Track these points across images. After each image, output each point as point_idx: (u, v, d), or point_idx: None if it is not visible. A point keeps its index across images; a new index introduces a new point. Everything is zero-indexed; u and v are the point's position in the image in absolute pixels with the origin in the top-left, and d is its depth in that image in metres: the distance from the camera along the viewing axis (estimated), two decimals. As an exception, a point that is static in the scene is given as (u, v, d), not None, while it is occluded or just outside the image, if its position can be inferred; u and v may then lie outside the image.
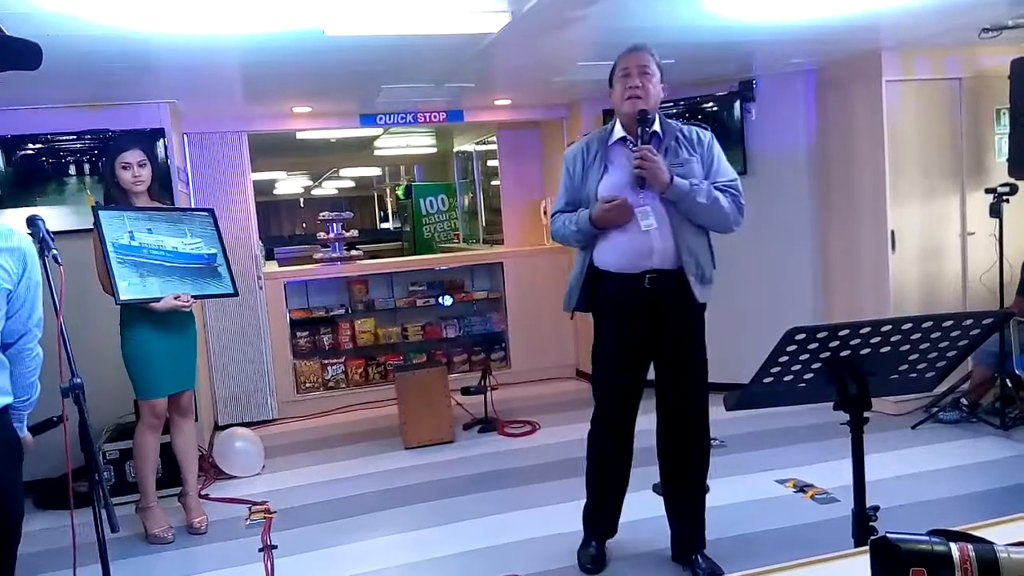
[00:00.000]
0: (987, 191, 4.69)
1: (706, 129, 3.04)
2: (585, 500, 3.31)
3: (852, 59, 4.96)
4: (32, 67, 2.10)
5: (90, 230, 3.63)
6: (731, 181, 2.97)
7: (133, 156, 3.63)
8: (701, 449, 3.10)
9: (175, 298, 3.56)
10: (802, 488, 3.91)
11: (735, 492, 3.93)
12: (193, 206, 5.26)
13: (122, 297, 3.47)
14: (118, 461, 4.29)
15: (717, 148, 3.00)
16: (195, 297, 3.68)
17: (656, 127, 2.91)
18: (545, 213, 6.82)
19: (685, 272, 2.91)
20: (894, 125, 4.84)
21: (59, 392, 2.25)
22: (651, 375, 3.13)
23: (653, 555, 3.33)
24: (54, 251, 2.36)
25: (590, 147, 3.03)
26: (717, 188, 2.91)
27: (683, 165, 2.90)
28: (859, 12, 3.81)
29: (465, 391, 5.59)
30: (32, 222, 2.44)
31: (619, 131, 2.99)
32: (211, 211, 3.92)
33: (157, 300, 3.55)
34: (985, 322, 1.66)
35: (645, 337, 3.01)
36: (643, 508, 3.50)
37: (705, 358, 3.06)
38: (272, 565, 3.49)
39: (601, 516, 3.27)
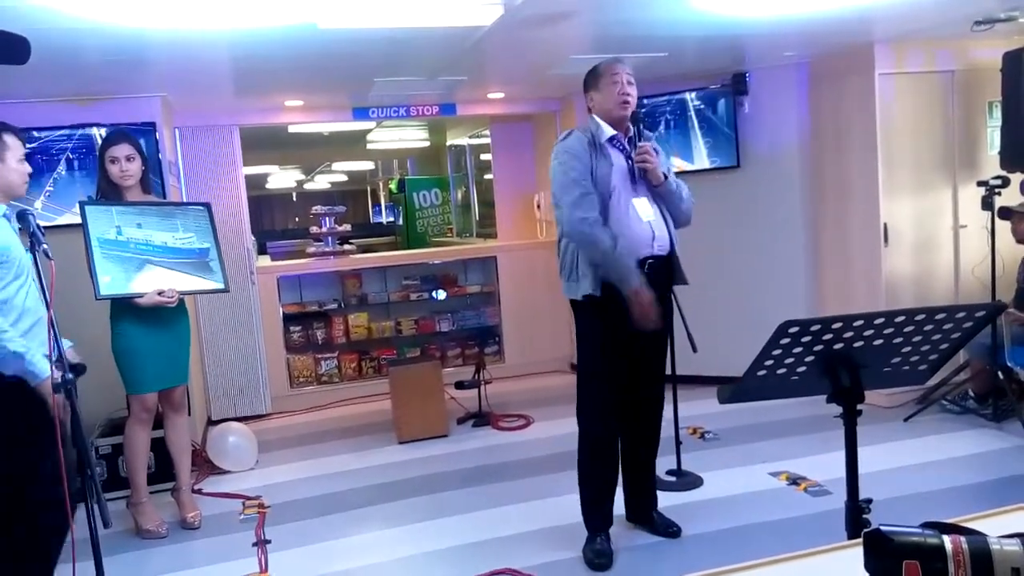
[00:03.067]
0: (979, 184, 4.69)
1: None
2: (582, 496, 3.33)
3: (845, 52, 4.96)
4: (20, 61, 2.09)
5: (81, 225, 3.60)
6: (683, 183, 3.31)
7: (121, 150, 3.62)
8: (658, 426, 3.45)
9: (159, 293, 3.54)
10: (795, 481, 3.92)
11: (728, 485, 3.94)
12: (188, 200, 5.25)
13: (102, 292, 3.45)
14: (110, 456, 4.28)
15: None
16: (182, 293, 3.66)
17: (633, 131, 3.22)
18: (539, 207, 6.81)
19: (675, 255, 3.20)
20: (887, 118, 4.84)
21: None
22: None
23: (652, 544, 3.37)
24: (44, 246, 2.36)
25: (588, 141, 3.16)
26: None
27: (660, 165, 3.18)
28: (852, 5, 3.81)
29: (459, 385, 5.59)
30: (23, 216, 2.43)
31: (608, 130, 3.18)
32: (207, 205, 3.90)
33: (140, 296, 3.52)
34: (978, 315, 1.67)
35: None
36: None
37: (671, 339, 3.50)
38: (266, 560, 3.49)
39: (604, 506, 3.31)
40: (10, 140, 2.90)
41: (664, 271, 3.19)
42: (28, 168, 2.99)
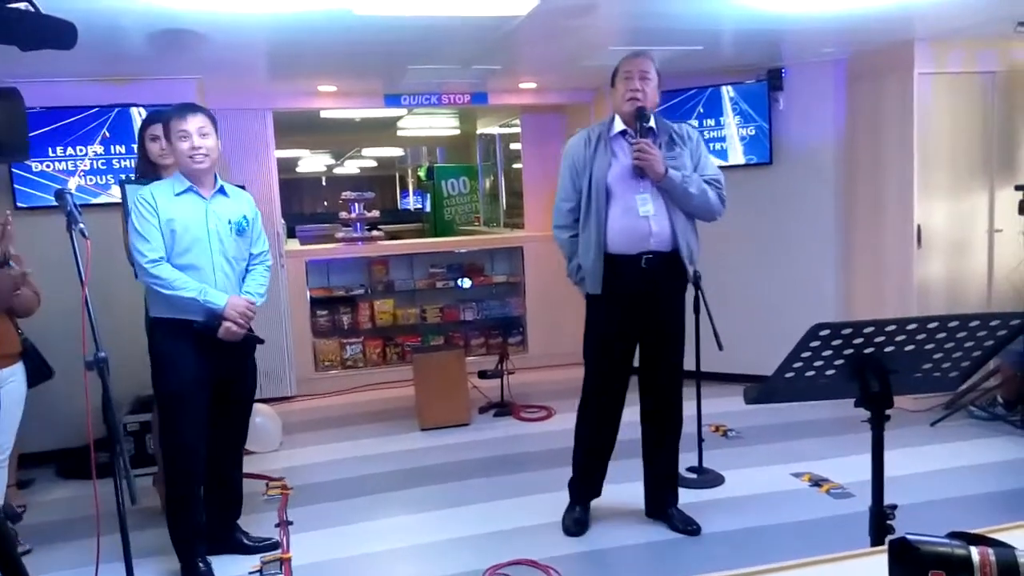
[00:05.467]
0: (1017, 188, 4.62)
1: (695, 128, 3.40)
2: (573, 467, 3.53)
3: (884, 50, 4.89)
4: (67, 46, 2.13)
5: (117, 204, 3.65)
6: (715, 175, 3.27)
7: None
8: (677, 416, 3.44)
9: None
10: (818, 482, 3.90)
11: (750, 484, 3.93)
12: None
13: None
14: (138, 433, 4.35)
15: (703, 145, 3.34)
16: None
17: (652, 124, 3.23)
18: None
19: (680, 253, 3.21)
20: (924, 118, 4.76)
21: (83, 364, 2.29)
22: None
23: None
24: (81, 225, 2.40)
25: (591, 138, 3.29)
26: (705, 181, 3.21)
27: (675, 159, 3.19)
28: (893, 3, 3.75)
29: (482, 374, 5.60)
30: (60, 195, 2.47)
31: (619, 125, 3.27)
32: (242, 188, 3.93)
33: None
34: (1013, 323, 1.64)
35: (638, 314, 3.27)
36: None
37: (684, 336, 3.40)
38: (288, 540, 3.53)
39: (589, 481, 3.51)
40: (172, 123, 3.04)
41: (666, 267, 3.21)
42: (191, 143, 3.01)
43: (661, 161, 3.10)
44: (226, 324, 3.12)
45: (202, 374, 3.12)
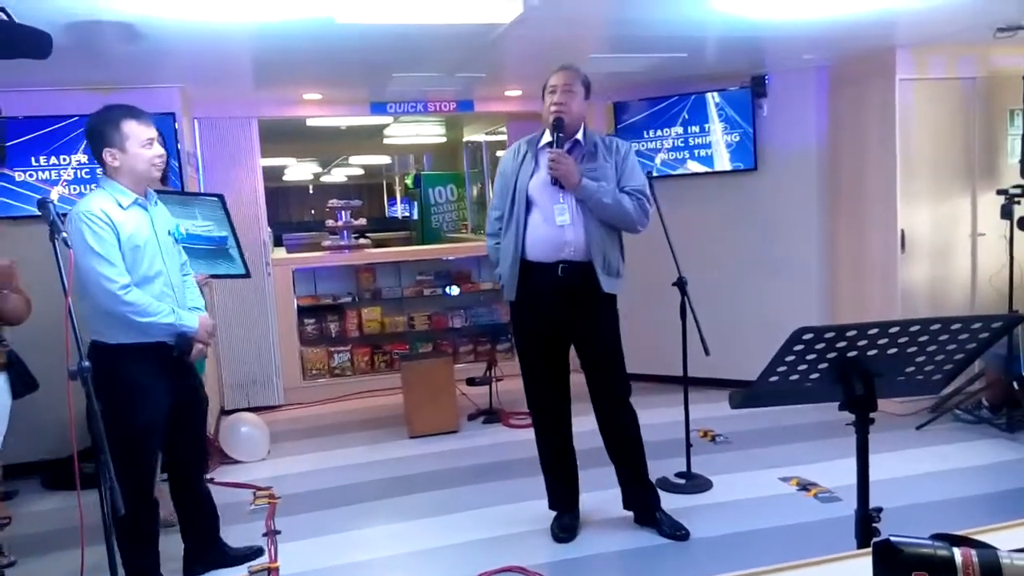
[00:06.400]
0: (999, 192, 4.66)
1: (625, 142, 3.45)
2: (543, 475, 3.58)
3: (866, 57, 4.93)
4: (42, 56, 2.12)
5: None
6: (639, 186, 3.31)
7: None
8: (628, 421, 3.42)
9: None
10: (805, 486, 3.91)
11: (738, 489, 3.94)
12: (203, 191, 5.28)
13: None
14: (124, 444, 4.31)
15: (632, 158, 3.37)
16: (210, 276, 3.70)
17: (580, 136, 3.30)
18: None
19: (592, 264, 3.23)
20: (906, 124, 4.80)
21: (67, 374, 2.27)
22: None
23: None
24: (63, 234, 2.38)
25: (520, 149, 3.39)
26: (625, 192, 3.26)
27: (596, 169, 3.25)
28: (874, 9, 3.78)
29: (470, 382, 5.59)
30: (43, 205, 2.45)
31: (547, 137, 3.32)
32: (221, 196, 3.93)
33: None
34: (994, 326, 1.66)
35: (558, 321, 3.31)
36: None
37: (618, 342, 3.39)
38: (276, 550, 3.51)
39: (559, 488, 3.53)
40: (128, 128, 2.89)
41: (584, 277, 3.25)
42: (156, 151, 2.93)
43: (575, 171, 3.16)
44: (198, 345, 3.04)
45: (170, 400, 3.01)
